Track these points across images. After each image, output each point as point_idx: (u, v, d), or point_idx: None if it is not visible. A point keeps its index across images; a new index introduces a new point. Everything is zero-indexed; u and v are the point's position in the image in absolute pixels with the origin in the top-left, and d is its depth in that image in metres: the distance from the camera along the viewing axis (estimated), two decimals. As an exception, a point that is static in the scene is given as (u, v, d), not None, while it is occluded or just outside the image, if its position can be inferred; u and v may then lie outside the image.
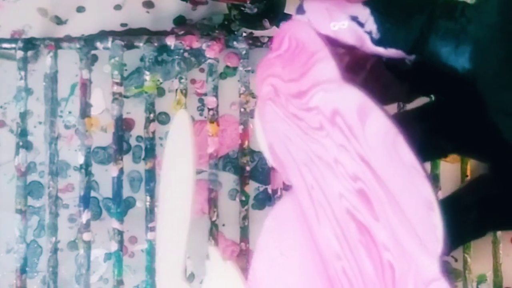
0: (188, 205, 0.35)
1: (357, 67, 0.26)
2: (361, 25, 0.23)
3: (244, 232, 0.40)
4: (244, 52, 0.40)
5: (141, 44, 0.40)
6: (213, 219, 0.39)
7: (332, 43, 0.24)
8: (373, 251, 0.24)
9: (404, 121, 0.25)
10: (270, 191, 0.41)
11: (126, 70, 0.44)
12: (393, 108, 0.38)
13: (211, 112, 0.40)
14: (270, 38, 0.40)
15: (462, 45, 0.21)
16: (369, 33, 0.23)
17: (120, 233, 0.39)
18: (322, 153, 0.25)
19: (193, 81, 0.46)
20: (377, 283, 0.24)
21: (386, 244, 0.23)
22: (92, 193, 0.42)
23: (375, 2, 0.23)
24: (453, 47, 0.22)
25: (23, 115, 0.40)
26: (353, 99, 0.23)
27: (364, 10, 0.23)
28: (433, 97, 0.28)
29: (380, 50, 0.23)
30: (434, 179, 0.40)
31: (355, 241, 0.24)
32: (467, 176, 0.41)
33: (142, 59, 0.43)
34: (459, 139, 0.26)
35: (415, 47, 0.22)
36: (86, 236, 0.39)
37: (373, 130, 0.23)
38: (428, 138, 0.25)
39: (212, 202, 0.39)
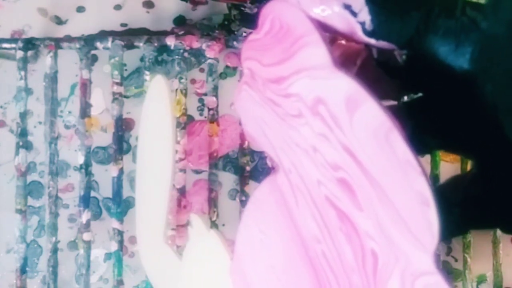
0: (168, 170, 0.36)
1: (347, 62, 0.26)
2: (354, 14, 0.23)
3: (244, 232, 0.40)
4: (244, 52, 0.40)
5: (141, 44, 0.40)
6: (213, 219, 0.39)
7: (321, 27, 0.24)
8: (353, 239, 0.23)
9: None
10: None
11: (126, 70, 0.44)
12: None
13: (211, 112, 0.40)
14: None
15: (463, 45, 0.21)
16: (362, 23, 0.22)
17: (120, 233, 0.39)
18: (300, 140, 0.25)
19: (193, 81, 0.46)
20: (356, 269, 0.24)
21: (370, 233, 0.23)
22: (92, 193, 0.42)
23: None
24: (452, 47, 0.21)
25: (23, 115, 0.40)
26: (343, 88, 0.22)
27: None
28: (420, 94, 0.28)
29: (371, 41, 0.23)
30: (434, 179, 0.40)
31: (335, 228, 0.24)
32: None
33: (142, 59, 0.43)
34: (445, 135, 0.26)
35: (409, 43, 0.22)
36: (86, 236, 0.39)
37: (363, 122, 0.22)
38: (414, 134, 0.25)
39: (212, 202, 0.39)
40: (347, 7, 0.22)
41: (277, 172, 0.27)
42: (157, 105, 0.36)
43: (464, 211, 0.25)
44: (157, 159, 0.36)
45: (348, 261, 0.24)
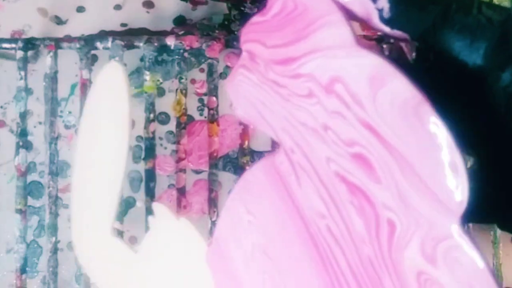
0: (121, 160, 0.34)
1: None
2: (374, 0, 0.23)
3: (244, 232, 0.39)
4: (244, 52, 0.40)
5: (141, 44, 0.40)
6: (213, 219, 0.39)
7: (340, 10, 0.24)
8: (367, 210, 0.24)
9: None
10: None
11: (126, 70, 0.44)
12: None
13: (211, 112, 0.40)
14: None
15: (477, 41, 0.22)
16: (380, 10, 0.23)
17: (120, 233, 0.39)
18: (308, 119, 0.25)
19: (193, 81, 0.46)
20: (367, 239, 0.24)
21: (387, 204, 0.24)
22: (92, 193, 0.42)
23: None
24: (467, 42, 0.22)
25: (23, 115, 0.40)
26: (368, 66, 0.23)
27: None
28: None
29: (386, 29, 0.23)
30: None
31: (345, 201, 0.25)
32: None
33: (142, 59, 0.43)
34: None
35: (423, 36, 0.23)
36: (86, 236, 0.39)
37: (389, 97, 0.23)
38: None
39: (212, 202, 0.39)
40: None
41: (276, 153, 0.27)
42: (110, 91, 0.34)
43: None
44: (107, 147, 0.34)
45: (358, 233, 0.25)
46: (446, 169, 0.22)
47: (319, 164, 0.25)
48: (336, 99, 0.24)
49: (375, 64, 0.23)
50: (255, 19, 0.27)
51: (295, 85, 0.26)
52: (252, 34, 0.27)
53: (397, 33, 0.23)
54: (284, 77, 0.26)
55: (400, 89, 0.23)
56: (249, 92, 0.27)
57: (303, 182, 0.26)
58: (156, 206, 0.33)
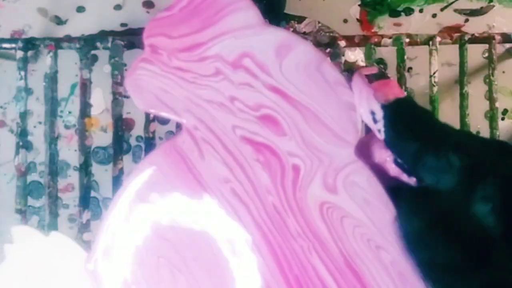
0: None
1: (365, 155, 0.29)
2: (375, 121, 0.26)
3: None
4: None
5: (141, 44, 0.40)
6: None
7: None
8: (272, 163, 0.28)
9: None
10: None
11: (126, 70, 0.44)
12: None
13: (211, 112, 0.40)
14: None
15: (442, 183, 0.24)
16: (379, 131, 0.26)
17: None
18: (213, 95, 0.29)
19: (193, 81, 0.46)
20: (272, 189, 0.28)
21: (292, 151, 0.28)
22: (92, 193, 0.42)
23: (388, 109, 0.26)
24: (434, 182, 0.24)
25: (23, 115, 0.40)
26: (273, 39, 0.29)
27: (380, 111, 0.26)
28: None
29: (387, 147, 0.26)
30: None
31: (250, 160, 0.29)
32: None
33: (142, 59, 0.43)
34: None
35: (410, 166, 0.25)
36: (86, 236, 0.39)
37: (294, 62, 0.28)
38: None
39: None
40: (372, 113, 0.26)
41: (176, 136, 0.30)
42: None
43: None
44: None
45: (263, 185, 0.28)
46: (344, 108, 0.27)
47: (223, 134, 0.29)
48: (244, 72, 0.29)
49: (279, 36, 0.29)
50: (160, 15, 0.31)
51: (201, 67, 0.29)
52: (156, 29, 0.31)
53: (412, 179, 0.26)
54: (189, 62, 0.30)
55: (304, 52, 0.28)
56: (149, 83, 0.30)
57: (206, 154, 0.29)
58: (15, 230, 0.33)
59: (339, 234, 0.27)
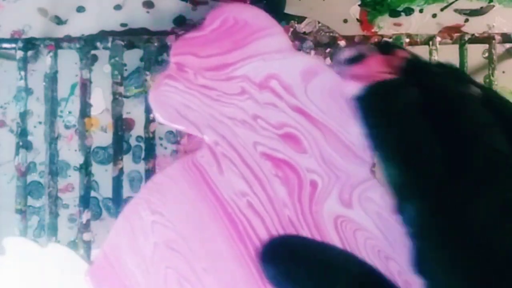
0: None
1: None
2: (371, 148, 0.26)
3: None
4: (244, 52, 0.40)
5: (141, 44, 0.40)
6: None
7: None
8: (290, 178, 0.30)
9: None
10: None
11: (126, 70, 0.44)
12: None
13: (211, 112, 0.40)
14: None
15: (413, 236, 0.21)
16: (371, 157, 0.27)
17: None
18: (237, 113, 0.31)
19: (193, 81, 0.46)
20: (289, 203, 0.30)
21: (310, 168, 0.30)
22: (92, 193, 0.42)
23: (359, 101, 0.22)
24: (411, 233, 0.21)
25: (23, 115, 0.40)
26: (300, 63, 0.31)
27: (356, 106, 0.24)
28: None
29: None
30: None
31: (269, 176, 0.30)
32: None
33: (142, 59, 0.43)
34: None
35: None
36: (86, 236, 0.39)
37: (319, 86, 0.30)
38: None
39: (212, 202, 0.40)
40: (366, 136, 0.25)
41: (196, 151, 0.31)
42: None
43: None
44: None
45: (280, 200, 0.30)
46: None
47: (244, 149, 0.30)
48: (270, 93, 0.31)
49: (307, 61, 0.31)
50: (190, 34, 0.32)
51: (227, 86, 0.31)
52: (184, 47, 0.32)
53: None
54: (215, 81, 0.31)
55: (330, 78, 0.30)
56: (172, 98, 0.32)
57: (225, 169, 0.30)
58: (7, 241, 0.33)
59: (351, 245, 0.29)
